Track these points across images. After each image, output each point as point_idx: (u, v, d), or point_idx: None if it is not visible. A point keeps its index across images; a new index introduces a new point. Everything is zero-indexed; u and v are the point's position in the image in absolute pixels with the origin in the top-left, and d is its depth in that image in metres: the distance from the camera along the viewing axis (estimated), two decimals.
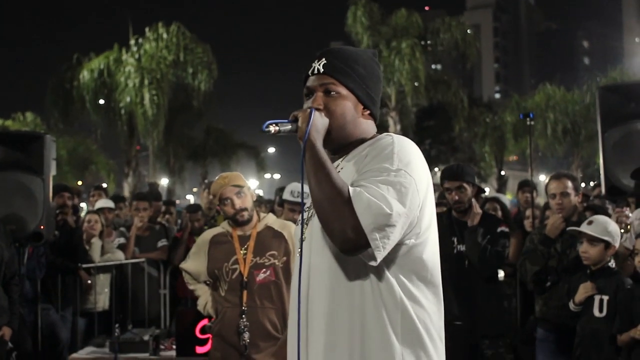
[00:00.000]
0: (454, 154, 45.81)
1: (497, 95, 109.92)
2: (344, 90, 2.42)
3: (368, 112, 2.47)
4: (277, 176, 56.10)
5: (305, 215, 2.48)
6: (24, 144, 6.42)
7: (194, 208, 9.22)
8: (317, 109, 2.37)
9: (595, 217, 5.20)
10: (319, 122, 2.32)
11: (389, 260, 2.24)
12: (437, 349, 2.31)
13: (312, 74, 2.45)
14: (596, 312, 4.95)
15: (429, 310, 2.30)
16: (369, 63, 2.49)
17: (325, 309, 2.29)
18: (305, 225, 2.45)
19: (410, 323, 2.25)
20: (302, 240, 2.43)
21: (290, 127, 2.32)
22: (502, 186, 37.36)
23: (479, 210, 5.58)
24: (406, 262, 2.28)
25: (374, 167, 2.23)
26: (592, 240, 4.98)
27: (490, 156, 36.76)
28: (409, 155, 2.27)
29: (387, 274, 2.26)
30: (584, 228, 5.02)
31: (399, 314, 2.24)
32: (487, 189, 41.22)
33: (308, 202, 2.44)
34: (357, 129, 2.44)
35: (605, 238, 4.95)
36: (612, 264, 5.06)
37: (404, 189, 2.18)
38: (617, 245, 5.04)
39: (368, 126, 2.47)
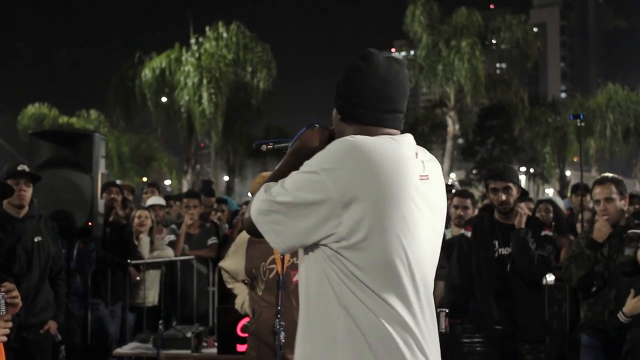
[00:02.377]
0: (516, 154, 45.26)
1: (563, 95, 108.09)
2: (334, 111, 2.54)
3: (349, 120, 2.46)
4: None
5: None
6: (74, 142, 6.55)
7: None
8: (314, 125, 2.55)
9: None
10: (306, 137, 2.51)
11: (323, 262, 2.28)
12: (377, 357, 2.24)
13: None
14: None
15: (371, 318, 2.24)
16: (346, 75, 2.48)
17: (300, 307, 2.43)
18: None
19: (349, 327, 2.25)
20: None
21: (284, 144, 2.60)
22: (564, 187, 36.70)
23: (527, 211, 5.49)
24: (340, 267, 2.26)
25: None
26: None
27: (552, 157, 36.16)
28: (338, 161, 2.25)
29: (326, 276, 2.28)
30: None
31: (341, 318, 2.25)
32: (550, 191, 40.70)
33: None
34: (337, 130, 2.53)
35: None
36: None
37: (304, 184, 2.24)
38: None
39: (346, 133, 2.45)
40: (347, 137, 2.31)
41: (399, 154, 2.31)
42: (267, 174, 4.91)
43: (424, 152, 2.46)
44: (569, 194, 27.11)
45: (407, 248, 2.27)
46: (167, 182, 38.38)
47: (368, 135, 2.37)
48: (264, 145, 2.57)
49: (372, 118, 2.43)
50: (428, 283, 2.38)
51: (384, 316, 2.24)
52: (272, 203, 2.25)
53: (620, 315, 4.96)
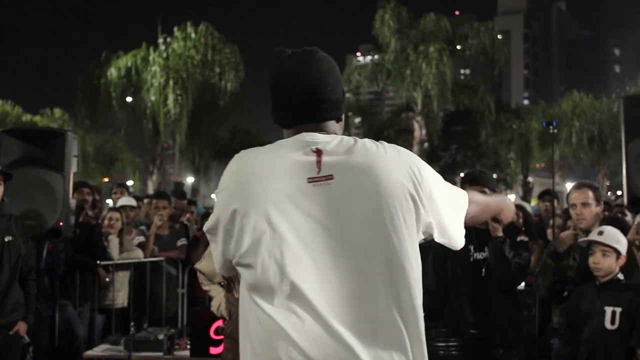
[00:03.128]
0: (480, 160, 45.64)
1: (526, 102, 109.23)
2: None
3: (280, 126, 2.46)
4: None
5: None
6: (46, 141, 6.47)
7: None
8: None
9: (604, 227, 5.15)
10: None
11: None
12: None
13: None
14: (608, 325, 4.88)
15: (255, 324, 2.21)
16: (270, 77, 2.45)
17: None
18: None
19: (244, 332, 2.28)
20: None
21: None
22: (527, 193, 37.14)
23: None
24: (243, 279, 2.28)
25: None
26: (605, 250, 4.93)
27: (516, 163, 36.61)
28: (223, 180, 2.32)
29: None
30: (596, 238, 4.98)
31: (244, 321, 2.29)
32: (512, 196, 41.14)
33: None
34: None
35: (617, 247, 4.91)
36: (620, 275, 5.00)
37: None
38: (624, 255, 5.00)
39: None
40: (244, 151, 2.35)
41: (270, 162, 2.23)
42: None
43: (341, 148, 2.26)
44: (532, 200, 27.46)
45: (282, 260, 2.16)
46: (130, 182, 38.11)
47: (286, 137, 2.36)
48: None
49: (278, 120, 2.42)
50: (336, 293, 2.15)
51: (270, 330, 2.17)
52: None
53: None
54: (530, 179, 41.09)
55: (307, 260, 2.15)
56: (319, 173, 2.19)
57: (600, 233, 5.01)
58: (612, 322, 4.87)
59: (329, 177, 2.18)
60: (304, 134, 2.28)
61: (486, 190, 5.48)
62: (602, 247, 4.96)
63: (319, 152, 2.22)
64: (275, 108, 2.39)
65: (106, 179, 35.54)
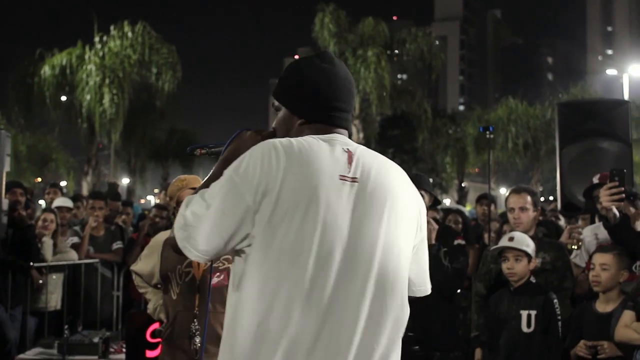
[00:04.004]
0: (416, 164, 46.12)
1: (461, 107, 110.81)
2: (280, 107, 2.50)
3: (303, 120, 2.43)
4: None
5: None
6: None
7: (163, 206, 9.10)
8: (246, 130, 2.52)
9: (514, 233, 5.28)
10: (239, 141, 2.46)
11: (243, 266, 2.26)
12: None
13: None
14: (524, 328, 4.99)
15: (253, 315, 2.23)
16: (291, 71, 2.50)
17: None
18: None
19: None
20: None
21: (219, 149, 2.56)
22: (462, 198, 37.70)
23: (436, 226, 5.55)
24: (251, 268, 2.24)
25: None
26: (517, 255, 5.05)
27: (452, 167, 37.13)
28: (244, 159, 2.26)
29: (241, 283, 2.27)
30: (507, 244, 5.10)
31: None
32: (447, 201, 41.71)
33: None
34: (289, 135, 2.44)
35: (529, 251, 5.04)
36: (532, 279, 5.13)
37: (217, 191, 2.23)
38: (535, 258, 5.13)
39: (304, 133, 2.41)
40: (271, 141, 2.31)
41: (313, 148, 2.28)
42: (185, 177, 4.84)
43: (368, 157, 2.38)
44: (467, 205, 27.86)
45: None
46: (63, 183, 37.46)
47: (314, 133, 2.38)
48: (197, 150, 2.55)
49: (323, 117, 2.43)
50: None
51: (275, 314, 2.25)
52: (184, 217, 2.25)
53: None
54: (465, 183, 41.67)
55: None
56: (349, 173, 2.29)
57: (511, 239, 5.15)
58: (528, 325, 5.00)
59: (355, 180, 2.29)
60: (337, 135, 2.40)
61: (422, 193, 5.55)
62: (514, 253, 5.08)
63: (350, 154, 2.34)
64: (322, 105, 2.42)
65: (39, 179, 34.87)
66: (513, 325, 5.03)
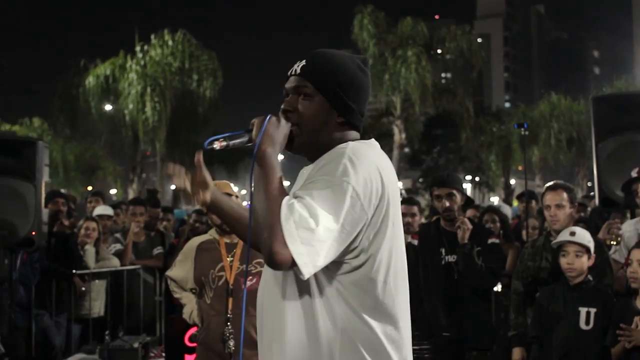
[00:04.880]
0: (462, 163, 45.84)
1: (507, 104, 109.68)
2: (317, 94, 2.31)
3: (343, 120, 2.34)
4: (286, 183, 56.15)
5: None
6: (17, 150, 6.41)
7: (202, 211, 9.15)
8: (276, 115, 2.29)
9: (575, 228, 5.16)
10: (274, 128, 2.23)
11: (331, 277, 2.18)
12: None
13: (290, 75, 2.37)
14: (582, 325, 4.90)
15: (380, 334, 2.21)
16: (352, 70, 2.36)
17: (273, 324, 2.29)
18: None
19: (351, 347, 2.18)
20: None
21: (241, 139, 2.28)
22: (509, 195, 37.30)
23: (470, 226, 5.51)
24: (350, 280, 2.19)
25: (317, 177, 2.13)
26: (577, 251, 4.95)
27: (497, 165, 36.78)
28: (358, 166, 2.12)
29: (327, 294, 2.19)
30: (569, 238, 4.99)
31: (338, 337, 2.17)
32: (496, 199, 41.32)
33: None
34: (329, 136, 2.32)
35: (590, 246, 4.94)
36: (589, 276, 5.03)
37: (339, 202, 2.06)
38: (594, 256, 5.04)
39: (344, 135, 2.34)
40: (351, 143, 2.25)
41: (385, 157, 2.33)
42: (218, 182, 4.87)
43: None
44: (514, 202, 27.56)
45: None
46: (113, 191, 37.97)
47: (353, 137, 2.37)
48: (216, 143, 2.25)
49: (361, 127, 2.41)
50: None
51: (397, 332, 2.28)
52: (314, 232, 2.02)
53: None
54: (512, 181, 41.25)
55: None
56: None
57: (572, 234, 5.03)
58: (587, 323, 4.90)
59: None
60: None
61: (454, 192, 5.53)
62: (575, 248, 4.98)
63: None
64: (363, 111, 2.41)
65: (89, 188, 35.38)
66: (570, 322, 4.94)
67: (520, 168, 46.06)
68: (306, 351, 2.19)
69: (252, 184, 2.18)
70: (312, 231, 2.00)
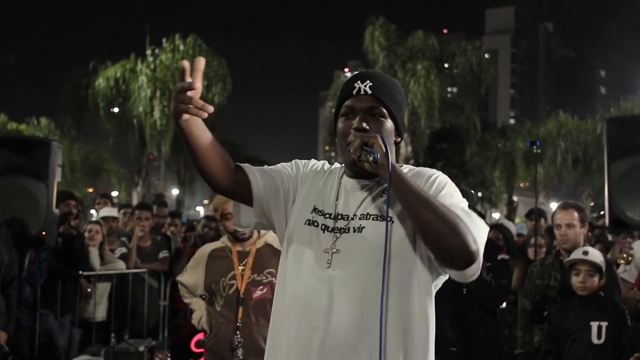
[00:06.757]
0: (466, 178, 45.81)
1: (512, 121, 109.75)
2: (387, 117, 2.45)
3: (398, 140, 2.54)
4: None
5: (329, 225, 2.47)
6: (30, 150, 6.41)
7: (212, 217, 9.17)
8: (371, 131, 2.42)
9: (588, 248, 5.21)
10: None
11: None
12: None
13: (356, 94, 2.45)
14: (594, 339, 4.92)
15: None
16: (401, 92, 2.53)
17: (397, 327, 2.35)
18: (334, 237, 2.44)
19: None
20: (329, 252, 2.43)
21: (372, 157, 2.32)
22: (511, 212, 37.29)
23: None
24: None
25: (444, 193, 2.39)
26: (589, 271, 4.98)
27: (501, 181, 36.78)
28: (454, 187, 2.47)
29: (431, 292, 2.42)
30: (583, 257, 5.02)
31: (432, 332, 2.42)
32: (497, 215, 41.31)
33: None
34: (392, 155, 2.41)
35: (602, 267, 4.96)
36: (601, 292, 5.06)
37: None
38: (605, 276, 5.07)
39: (394, 154, 2.47)
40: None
41: None
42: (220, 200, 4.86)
43: None
44: (516, 219, 27.56)
45: None
46: (115, 193, 38.02)
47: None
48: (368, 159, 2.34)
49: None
50: None
51: None
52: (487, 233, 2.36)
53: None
54: (514, 197, 41.25)
55: None
56: None
57: (585, 253, 5.06)
58: (599, 337, 4.91)
59: None
60: None
61: None
62: (588, 267, 5.00)
63: None
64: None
65: (90, 190, 35.40)
66: (582, 337, 4.96)
67: (522, 185, 46.10)
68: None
69: (391, 200, 2.34)
70: (485, 232, 2.32)
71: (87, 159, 33.24)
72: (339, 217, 2.45)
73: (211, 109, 2.24)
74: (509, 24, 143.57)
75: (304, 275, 2.43)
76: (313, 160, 2.73)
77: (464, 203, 2.37)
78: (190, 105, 2.20)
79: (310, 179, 2.61)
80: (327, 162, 2.73)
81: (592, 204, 33.95)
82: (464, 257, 2.23)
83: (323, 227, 2.46)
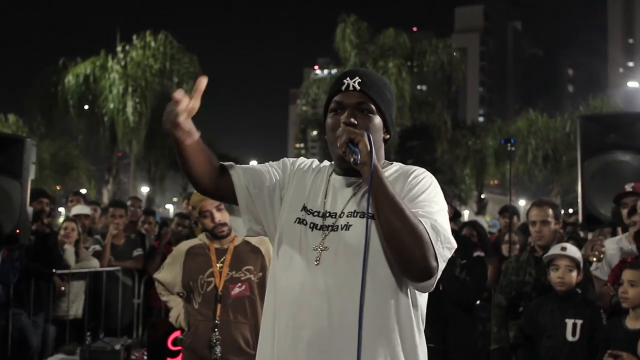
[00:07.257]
0: (435, 175, 45.78)
1: (481, 119, 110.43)
2: (376, 113, 2.47)
3: (387, 137, 2.55)
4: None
5: (318, 223, 2.48)
6: (4, 147, 6.36)
7: (185, 215, 9.13)
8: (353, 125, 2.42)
9: (565, 244, 5.27)
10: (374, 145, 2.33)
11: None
12: None
13: (345, 90, 2.47)
14: (569, 337, 4.97)
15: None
16: (391, 90, 2.56)
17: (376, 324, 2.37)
18: (322, 234, 2.45)
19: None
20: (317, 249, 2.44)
21: (353, 159, 2.31)
22: (481, 209, 37.56)
23: None
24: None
25: (422, 197, 2.40)
26: (569, 265, 5.04)
27: (471, 179, 37.03)
28: (438, 188, 2.48)
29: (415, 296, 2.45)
30: (561, 252, 5.07)
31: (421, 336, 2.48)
32: (467, 212, 41.58)
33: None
34: (380, 152, 2.49)
35: (580, 262, 5.05)
36: (578, 290, 5.12)
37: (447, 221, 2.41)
38: (582, 271, 5.13)
39: (383, 150, 2.54)
40: (419, 168, 2.55)
41: None
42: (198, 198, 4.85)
43: None
44: (486, 216, 27.78)
45: None
46: (84, 190, 37.70)
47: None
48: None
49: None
50: None
51: None
52: (452, 250, 2.37)
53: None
54: (483, 195, 41.53)
55: None
56: None
57: (564, 249, 5.12)
58: (573, 334, 4.97)
59: None
60: None
61: None
62: (567, 262, 5.06)
63: None
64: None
65: (58, 187, 35.05)
66: (557, 334, 5.01)
67: (492, 182, 46.43)
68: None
69: (371, 200, 2.30)
70: (450, 250, 2.34)
71: (56, 156, 32.90)
72: (327, 214, 2.47)
73: (197, 135, 2.39)
74: (478, 22, 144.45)
75: (293, 272, 2.44)
76: (302, 158, 2.73)
77: (440, 214, 2.37)
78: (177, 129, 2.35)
79: (299, 177, 2.61)
80: (316, 159, 2.73)
81: (560, 201, 34.27)
82: (422, 270, 2.25)
83: (312, 225, 2.47)
